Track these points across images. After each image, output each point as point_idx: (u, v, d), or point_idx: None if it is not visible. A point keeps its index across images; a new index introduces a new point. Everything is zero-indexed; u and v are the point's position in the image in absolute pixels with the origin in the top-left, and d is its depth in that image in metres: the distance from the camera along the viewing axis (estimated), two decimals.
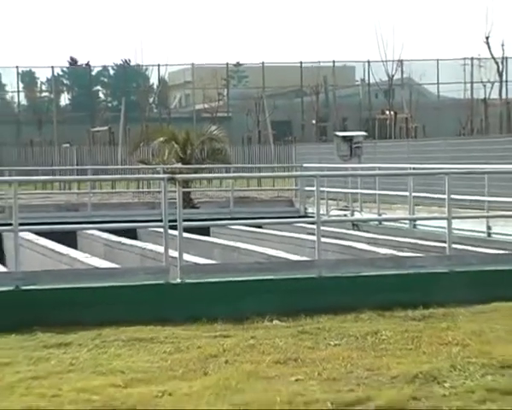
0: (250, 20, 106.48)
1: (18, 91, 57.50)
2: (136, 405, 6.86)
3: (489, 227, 16.07)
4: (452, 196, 12.84)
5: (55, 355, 9.16)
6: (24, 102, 54.89)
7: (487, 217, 15.92)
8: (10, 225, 11.66)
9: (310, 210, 20.95)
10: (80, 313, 10.70)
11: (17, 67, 54.74)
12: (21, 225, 12.03)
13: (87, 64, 55.61)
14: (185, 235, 13.12)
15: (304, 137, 46.96)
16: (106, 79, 55.00)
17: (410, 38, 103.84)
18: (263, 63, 52.93)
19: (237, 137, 45.14)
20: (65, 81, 56.86)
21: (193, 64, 51.07)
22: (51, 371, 8.40)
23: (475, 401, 6.63)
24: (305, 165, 26.43)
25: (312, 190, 16.73)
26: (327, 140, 41.51)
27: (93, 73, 56.80)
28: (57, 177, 38.30)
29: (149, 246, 16.20)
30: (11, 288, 11.11)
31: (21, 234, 13.58)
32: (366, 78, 51.17)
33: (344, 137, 27.10)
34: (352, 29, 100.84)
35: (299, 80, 50.82)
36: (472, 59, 46.66)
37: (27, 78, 54.92)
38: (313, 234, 13.86)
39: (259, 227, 19.82)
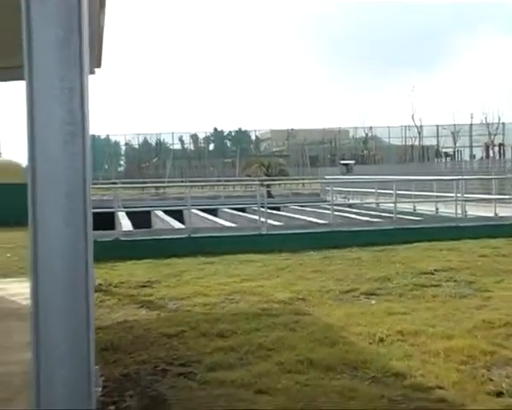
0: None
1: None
2: (246, 290, 10.84)
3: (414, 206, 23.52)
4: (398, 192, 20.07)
5: (207, 267, 13.59)
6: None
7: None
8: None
9: (327, 198, 27.41)
10: (218, 247, 15.54)
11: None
12: (193, 206, 19.34)
13: (220, 130, 74.97)
14: (268, 211, 19.19)
15: (324, 163, 66.66)
16: (230, 137, 74.48)
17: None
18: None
19: (292, 164, 62.59)
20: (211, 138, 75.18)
21: (271, 129, 75.12)
22: (206, 274, 12.85)
23: (406, 286, 10.93)
24: (325, 176, 37.90)
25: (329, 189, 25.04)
26: (335, 165, 58.38)
27: (225, 133, 76.34)
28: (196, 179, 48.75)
29: (251, 216, 22.43)
30: (186, 235, 16.55)
31: (192, 210, 20.13)
32: (354, 134, 76.37)
33: (344, 163, 48.84)
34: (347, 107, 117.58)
35: (322, 135, 74.09)
36: (406, 126, 72.23)
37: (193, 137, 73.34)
38: (328, 210, 20.59)
39: (303, 206, 27.67)
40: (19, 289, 11.31)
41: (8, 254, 16.26)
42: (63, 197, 2.24)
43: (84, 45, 2.26)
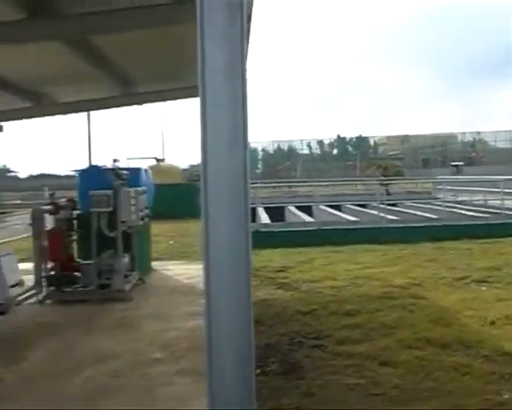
0: None
1: None
2: (368, 276, 10.82)
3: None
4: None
5: (333, 256, 13.37)
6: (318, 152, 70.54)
7: None
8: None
9: (439, 196, 25.71)
10: (343, 238, 15.32)
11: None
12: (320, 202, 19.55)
13: (343, 137, 74.13)
14: (386, 207, 19.09)
15: (435, 165, 61.26)
16: (351, 143, 74.13)
17: None
18: None
19: (406, 166, 58.30)
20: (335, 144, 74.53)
21: (387, 135, 72.89)
22: (333, 261, 12.64)
23: None
24: (437, 176, 34.85)
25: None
26: (445, 166, 53.39)
27: (347, 140, 74.39)
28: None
29: (371, 211, 21.50)
30: (315, 227, 16.48)
31: (320, 206, 20.43)
32: (463, 139, 71.13)
33: (454, 164, 45.44)
34: None
35: (432, 140, 69.67)
36: None
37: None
38: (439, 206, 20.39)
39: (417, 203, 25.47)
40: (181, 270, 11.84)
41: (171, 242, 16.92)
42: (227, 195, 2.32)
43: (245, 64, 2.32)
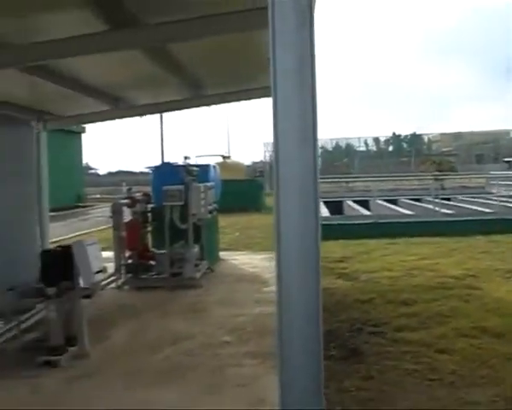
0: None
1: None
2: (423, 267, 10.55)
3: None
4: None
5: (390, 247, 13.16)
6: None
7: None
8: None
9: (492, 191, 24.85)
10: (399, 231, 14.99)
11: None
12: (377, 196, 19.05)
13: (398, 134, 71.12)
14: (441, 201, 18.63)
15: (488, 161, 59.31)
16: (406, 140, 71.01)
17: None
18: None
19: (459, 162, 55.90)
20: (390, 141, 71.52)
21: (441, 133, 70.29)
22: (390, 252, 12.46)
23: None
24: (490, 172, 33.70)
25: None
26: (497, 162, 52.50)
27: (401, 137, 71.31)
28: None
29: (426, 205, 20.73)
30: (373, 220, 16.24)
31: (376, 200, 19.78)
32: None
33: (507, 160, 43.39)
34: None
35: (485, 136, 66.19)
36: None
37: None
38: (492, 200, 19.50)
39: (470, 197, 24.54)
40: (246, 260, 11.93)
41: (237, 234, 17.01)
42: (298, 190, 2.32)
43: (314, 66, 2.32)
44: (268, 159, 48.66)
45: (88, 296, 6.02)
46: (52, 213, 9.82)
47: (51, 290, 5.85)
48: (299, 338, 2.33)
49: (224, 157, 33.12)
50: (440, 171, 37.53)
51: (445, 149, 71.33)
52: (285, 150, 2.32)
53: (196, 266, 10.02)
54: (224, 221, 14.63)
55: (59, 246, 6.36)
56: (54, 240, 10.80)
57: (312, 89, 2.33)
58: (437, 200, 18.57)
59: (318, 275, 2.32)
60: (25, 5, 4.98)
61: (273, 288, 8.93)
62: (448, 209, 18.88)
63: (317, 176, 2.34)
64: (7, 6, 4.94)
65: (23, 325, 6.23)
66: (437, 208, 17.53)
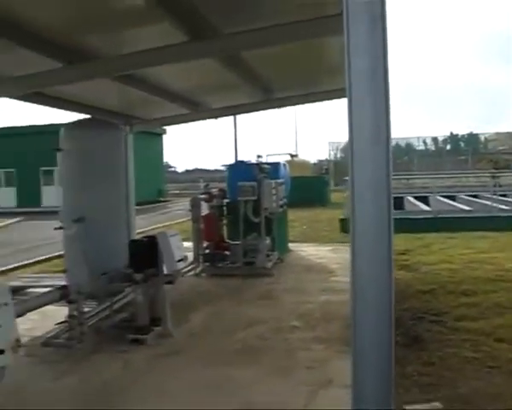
0: None
1: None
2: (482, 260, 10.08)
3: None
4: None
5: (449, 241, 12.68)
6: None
7: None
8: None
9: None
10: (458, 225, 14.49)
11: None
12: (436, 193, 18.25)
13: (456, 134, 66.64)
14: (498, 197, 17.87)
15: None
16: (463, 139, 66.82)
17: None
18: None
19: None
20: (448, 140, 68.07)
21: (497, 132, 64.28)
22: (449, 246, 12.02)
23: None
24: None
25: None
26: None
27: (459, 136, 67.15)
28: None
29: (483, 201, 19.79)
30: (432, 215, 15.90)
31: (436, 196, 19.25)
32: None
33: None
34: None
35: None
36: None
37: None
38: None
39: None
40: (313, 251, 11.87)
41: (305, 227, 16.97)
42: (372, 187, 2.27)
43: (387, 70, 2.25)
44: (332, 157, 48.21)
45: (170, 282, 6.14)
46: (137, 207, 10.05)
47: (138, 276, 6.00)
48: (371, 329, 2.28)
49: (291, 155, 33.02)
50: (496, 168, 35.82)
51: (501, 148, 68.34)
52: (359, 149, 2.26)
53: (268, 256, 10.05)
54: (292, 215, 14.54)
55: (145, 236, 6.50)
56: (139, 230, 11.06)
57: (385, 91, 2.27)
58: (494, 196, 17.82)
59: (391, 268, 2.26)
60: (114, 22, 5.12)
61: (338, 278, 8.98)
62: (504, 205, 18.09)
63: (390, 173, 2.27)
64: (98, 24, 5.10)
65: (114, 307, 6.39)
66: (494, 204, 16.92)
